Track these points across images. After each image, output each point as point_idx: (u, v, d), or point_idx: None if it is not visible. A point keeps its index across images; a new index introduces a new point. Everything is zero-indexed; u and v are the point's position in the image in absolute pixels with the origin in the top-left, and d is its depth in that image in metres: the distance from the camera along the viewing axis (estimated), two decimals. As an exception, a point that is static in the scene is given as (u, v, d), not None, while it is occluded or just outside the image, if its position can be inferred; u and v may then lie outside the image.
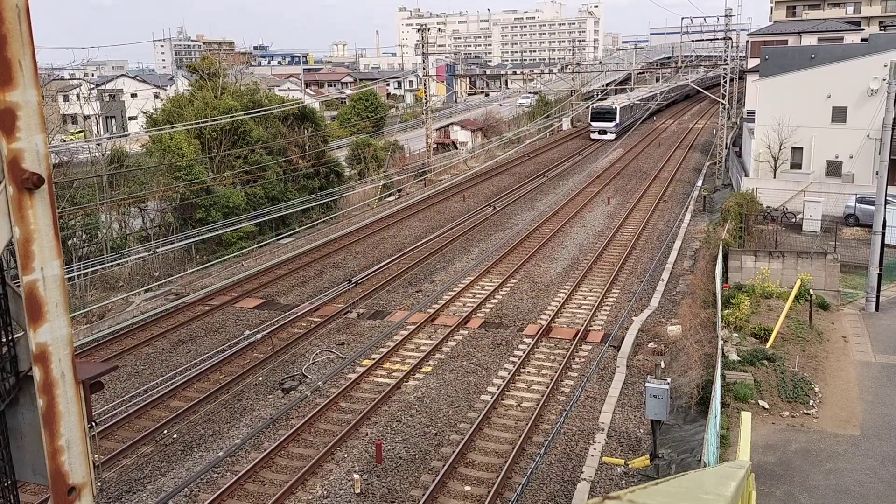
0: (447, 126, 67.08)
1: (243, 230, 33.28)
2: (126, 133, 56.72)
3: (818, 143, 36.64)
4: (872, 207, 24.66)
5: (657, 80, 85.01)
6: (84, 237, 30.45)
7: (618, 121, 69.59)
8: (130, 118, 74.37)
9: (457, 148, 61.82)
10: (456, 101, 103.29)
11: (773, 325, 20.12)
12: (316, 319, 24.32)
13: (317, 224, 36.91)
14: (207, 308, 25.62)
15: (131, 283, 28.17)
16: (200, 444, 16.83)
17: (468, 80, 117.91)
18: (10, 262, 3.50)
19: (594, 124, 70.62)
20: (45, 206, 3.36)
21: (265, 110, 37.96)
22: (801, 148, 37.29)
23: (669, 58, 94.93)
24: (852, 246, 29.13)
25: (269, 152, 37.90)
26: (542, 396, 18.28)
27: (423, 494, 14.27)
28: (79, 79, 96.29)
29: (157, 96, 71.30)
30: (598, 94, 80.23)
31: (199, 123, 34.19)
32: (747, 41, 64.94)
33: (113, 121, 76.01)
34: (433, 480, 14.70)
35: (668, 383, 14.73)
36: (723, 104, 47.75)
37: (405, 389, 19.23)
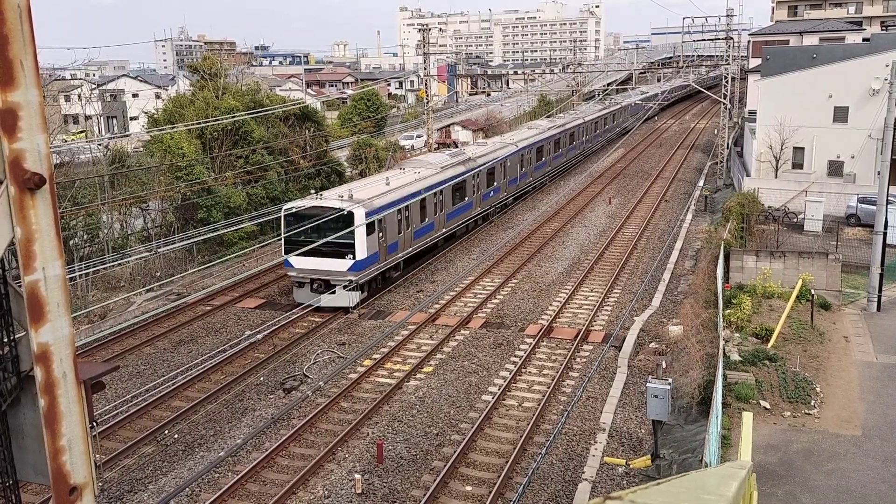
0: (448, 126, 67.06)
1: (244, 230, 33.27)
2: (127, 133, 56.71)
3: (820, 143, 36.62)
4: (874, 207, 24.64)
5: (658, 80, 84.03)
6: (85, 237, 30.45)
7: (359, 255, 24.42)
8: (132, 118, 74.40)
9: (458, 147, 61.75)
10: (457, 101, 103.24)
11: (774, 326, 20.10)
12: (317, 319, 24.32)
13: (318, 224, 36.84)
14: (209, 308, 25.64)
15: (133, 283, 28.18)
16: (202, 443, 16.83)
17: (469, 80, 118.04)
18: (12, 262, 3.50)
19: (296, 266, 24.83)
20: (46, 206, 3.37)
21: (266, 110, 37.94)
22: (803, 148, 37.26)
23: (671, 58, 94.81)
24: (854, 246, 29.11)
25: (271, 152, 37.89)
26: (544, 396, 18.28)
27: (425, 494, 14.27)
28: (80, 79, 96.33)
29: (158, 96, 71.30)
30: (599, 95, 79.54)
31: (200, 123, 34.17)
32: (749, 41, 64.98)
33: (114, 121, 76.06)
34: (434, 480, 14.70)
35: (669, 383, 14.71)
36: (724, 104, 47.71)
37: (406, 389, 19.23)
